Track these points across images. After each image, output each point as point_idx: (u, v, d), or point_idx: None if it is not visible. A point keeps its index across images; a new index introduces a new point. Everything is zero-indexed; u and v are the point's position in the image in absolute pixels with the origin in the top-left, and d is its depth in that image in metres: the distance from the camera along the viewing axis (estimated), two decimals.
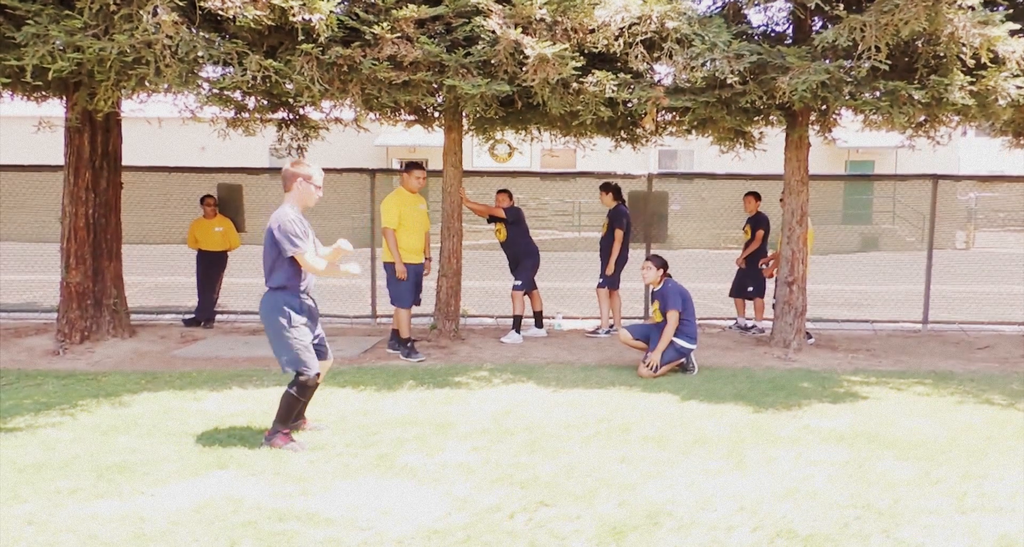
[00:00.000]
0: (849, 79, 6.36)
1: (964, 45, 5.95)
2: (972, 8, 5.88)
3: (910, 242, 23.12)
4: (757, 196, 9.03)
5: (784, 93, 6.22)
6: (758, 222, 8.99)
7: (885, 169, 26.37)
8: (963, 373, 6.91)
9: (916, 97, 6.19)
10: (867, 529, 3.54)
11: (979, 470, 4.33)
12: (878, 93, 6.56)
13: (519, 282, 8.35)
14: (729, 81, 6.15)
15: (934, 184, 9.52)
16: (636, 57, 6.24)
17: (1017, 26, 6.08)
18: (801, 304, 7.86)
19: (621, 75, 6.37)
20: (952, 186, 19.21)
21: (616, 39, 6.18)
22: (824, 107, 7.34)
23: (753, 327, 8.97)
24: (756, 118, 7.86)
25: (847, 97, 6.58)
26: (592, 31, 6.18)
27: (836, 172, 25.42)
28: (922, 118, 7.59)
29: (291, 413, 4.61)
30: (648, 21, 6.11)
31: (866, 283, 14.39)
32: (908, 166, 24.47)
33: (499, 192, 8.52)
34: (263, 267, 4.58)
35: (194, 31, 5.84)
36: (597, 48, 6.21)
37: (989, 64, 6.13)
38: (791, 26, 7.49)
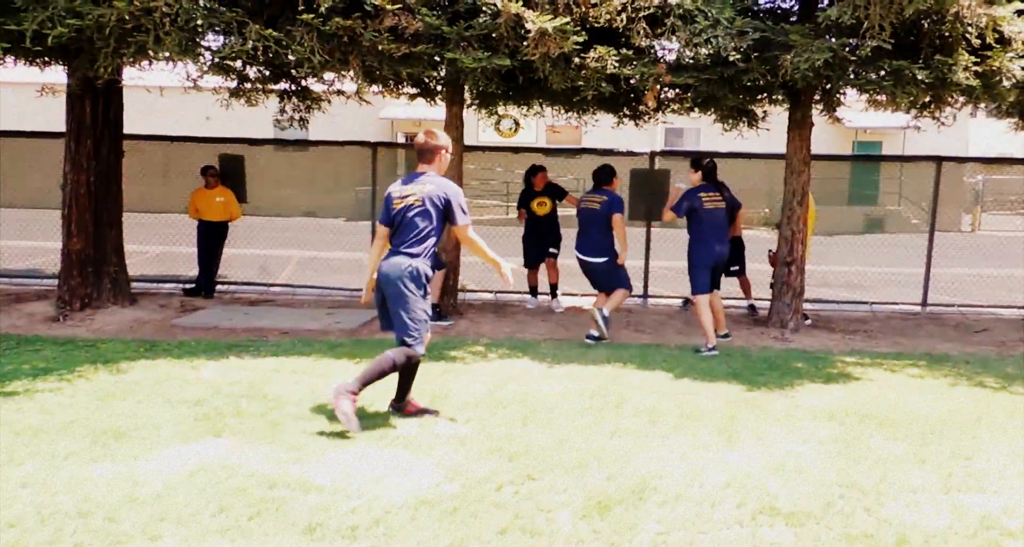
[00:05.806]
0: (853, 58, 6.30)
1: (970, 25, 5.88)
2: None
3: (915, 224, 23.00)
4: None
5: (787, 71, 6.17)
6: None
7: (893, 150, 26.16)
8: (958, 356, 6.92)
9: (920, 77, 6.14)
10: (850, 507, 3.58)
11: (967, 450, 4.36)
12: (882, 73, 6.50)
13: (557, 251, 8.72)
14: (731, 59, 6.09)
15: (938, 166, 9.47)
16: (639, 33, 6.18)
17: None
18: (799, 285, 7.86)
19: (623, 51, 6.31)
20: (958, 168, 19.06)
21: (619, 14, 6.12)
22: (828, 86, 7.27)
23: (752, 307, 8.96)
24: (759, 97, 7.80)
25: (851, 76, 6.51)
26: (594, 5, 6.12)
27: (843, 152, 25.25)
28: (927, 99, 7.53)
29: (382, 377, 4.54)
30: None
31: (868, 264, 14.34)
32: (916, 147, 24.26)
33: (539, 171, 8.66)
34: (403, 233, 4.52)
35: None
36: (600, 23, 6.15)
37: (995, 45, 6.07)
38: (797, 3, 7.42)
